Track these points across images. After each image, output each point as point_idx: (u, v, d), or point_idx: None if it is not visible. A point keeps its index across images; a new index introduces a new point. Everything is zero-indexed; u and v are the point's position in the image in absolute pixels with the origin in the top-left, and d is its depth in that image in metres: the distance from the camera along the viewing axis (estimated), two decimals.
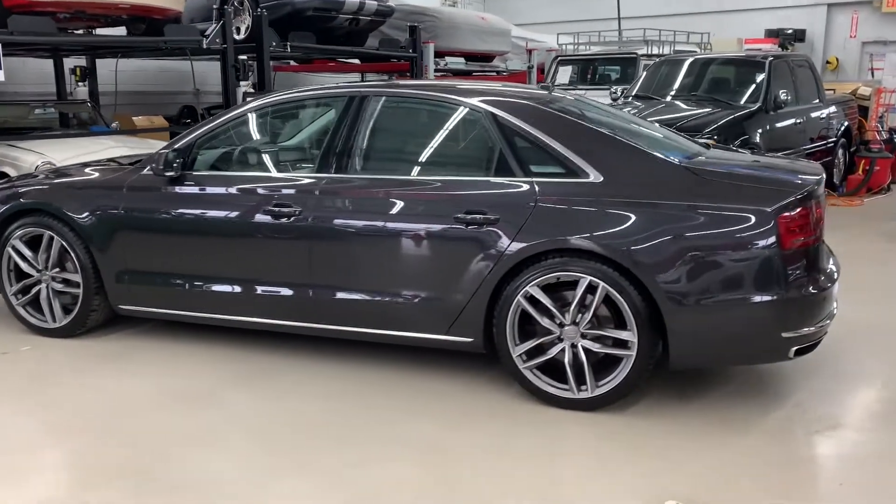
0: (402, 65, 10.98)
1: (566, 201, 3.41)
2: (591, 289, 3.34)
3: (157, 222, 4.08)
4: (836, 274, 3.55)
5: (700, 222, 3.25)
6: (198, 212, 4.01)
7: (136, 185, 4.14)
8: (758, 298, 3.21)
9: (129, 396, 3.64)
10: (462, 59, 11.54)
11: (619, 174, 3.40)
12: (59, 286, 4.34)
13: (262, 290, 3.92)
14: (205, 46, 7.96)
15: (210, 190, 4.01)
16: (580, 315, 3.39)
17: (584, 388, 3.42)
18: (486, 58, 12.42)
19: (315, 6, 8.87)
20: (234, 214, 3.91)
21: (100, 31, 8.35)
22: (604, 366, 3.43)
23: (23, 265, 4.38)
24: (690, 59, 9.55)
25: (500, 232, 3.45)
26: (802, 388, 3.72)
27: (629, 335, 3.32)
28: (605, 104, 4.89)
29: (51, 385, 3.80)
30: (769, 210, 3.20)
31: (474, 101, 3.70)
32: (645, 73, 9.58)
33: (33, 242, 4.37)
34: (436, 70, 10.91)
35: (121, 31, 8.31)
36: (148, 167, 4.10)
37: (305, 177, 3.90)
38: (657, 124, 4.57)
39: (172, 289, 4.11)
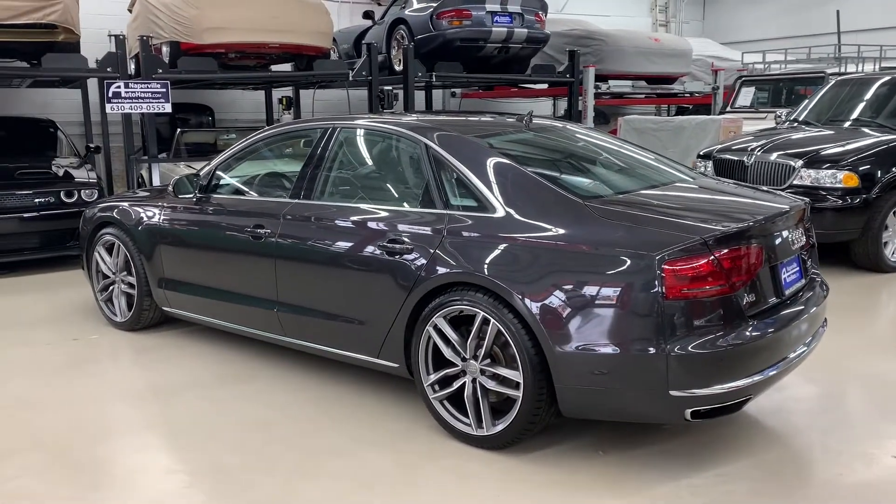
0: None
1: (469, 235, 3.40)
2: (487, 323, 3.30)
3: (177, 238, 4.72)
4: (786, 329, 3.14)
5: (585, 264, 3.08)
6: (200, 230, 4.58)
7: (166, 205, 4.80)
8: (638, 350, 2.96)
9: (118, 386, 4.26)
10: (629, 83, 11.20)
11: (521, 209, 3.32)
12: (125, 287, 5.15)
13: (246, 302, 4.35)
14: (351, 79, 8.72)
15: (210, 211, 4.54)
16: (480, 350, 3.35)
17: (482, 425, 3.37)
18: (666, 80, 11.90)
19: (462, 37, 9.25)
20: (228, 233, 4.39)
21: (275, 67, 9.51)
22: (507, 405, 3.35)
23: (103, 267, 5.26)
24: (880, 80, 8.42)
25: (414, 262, 3.53)
26: (742, 457, 3.29)
27: (517, 375, 3.22)
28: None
29: (70, 368, 4.55)
30: (654, 256, 2.93)
31: (413, 132, 3.80)
32: (818, 94, 8.63)
33: (112, 249, 5.23)
34: (598, 94, 10.74)
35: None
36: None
37: (276, 202, 4.27)
38: (656, 155, 4.27)
39: (189, 296, 4.71)
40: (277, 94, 12.35)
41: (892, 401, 3.91)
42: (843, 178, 6.62)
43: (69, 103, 10.58)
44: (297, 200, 4.14)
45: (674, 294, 2.91)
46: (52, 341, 5.04)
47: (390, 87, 9.12)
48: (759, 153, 7.12)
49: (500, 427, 3.32)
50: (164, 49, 8.38)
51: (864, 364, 4.43)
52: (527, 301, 3.14)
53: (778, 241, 3.29)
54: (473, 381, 3.39)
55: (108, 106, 7.57)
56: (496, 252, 3.29)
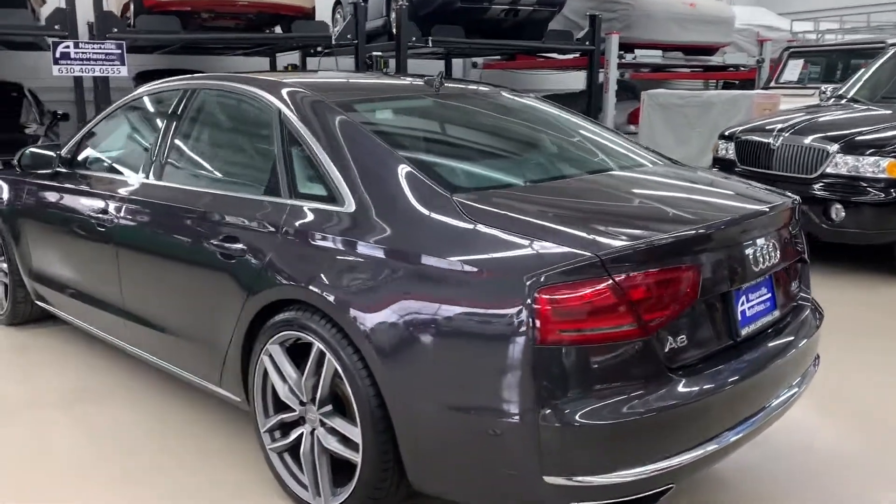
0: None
1: (308, 234, 2.50)
2: (325, 358, 2.41)
3: (34, 221, 3.95)
4: (740, 386, 2.18)
5: (435, 285, 2.15)
6: (54, 213, 3.80)
7: (30, 181, 4.02)
8: (499, 416, 2.03)
9: None
10: (659, 52, 9.98)
11: (376, 204, 2.39)
12: (1, 277, 4.43)
13: (97, 304, 3.55)
14: (333, 43, 7.83)
15: (66, 190, 3.73)
16: (317, 393, 2.47)
17: (320, 493, 2.50)
18: (705, 51, 10.64)
19: None
20: (78, 218, 3.58)
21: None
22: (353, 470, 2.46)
23: None
24: None
25: (247, 267, 2.65)
26: None
27: (356, 432, 2.33)
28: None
29: None
30: (523, 279, 1.99)
31: (267, 94, 2.89)
32: (873, 67, 7.36)
33: None
34: (623, 65, 9.60)
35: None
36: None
37: (121, 181, 3.43)
38: (611, 134, 3.27)
39: (51, 291, 3.94)
40: (283, 60, 11.56)
41: None
42: (887, 167, 5.44)
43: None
44: (140, 181, 3.31)
45: (551, 336, 1.96)
46: None
47: (379, 53, 8.20)
48: (787, 135, 5.97)
49: (341, 498, 2.44)
50: (131, 7, 7.66)
51: None
52: (366, 332, 2.24)
53: (735, 257, 2.30)
54: (313, 432, 2.51)
55: (55, 68, 6.86)
56: (336, 262, 2.39)
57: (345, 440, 2.40)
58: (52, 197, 3.83)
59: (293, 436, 2.58)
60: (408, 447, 2.23)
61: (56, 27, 6.85)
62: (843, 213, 5.52)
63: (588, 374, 1.99)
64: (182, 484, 2.79)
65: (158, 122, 3.39)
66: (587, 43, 9.24)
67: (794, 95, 8.59)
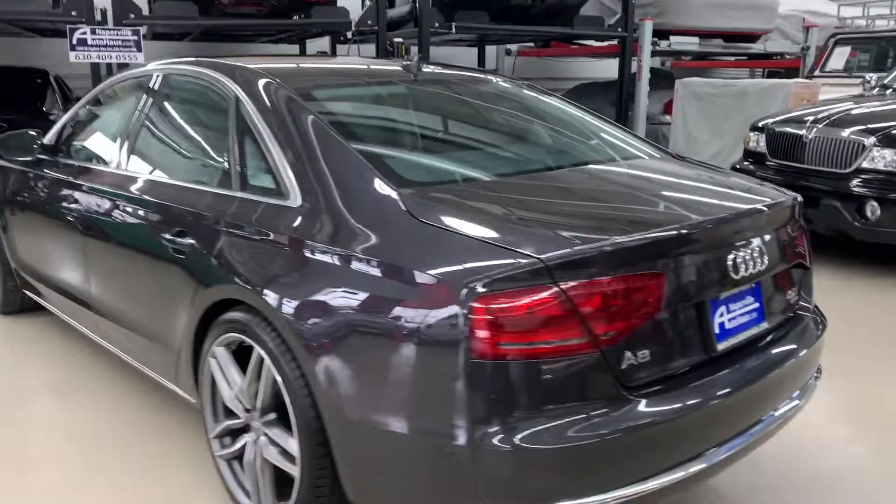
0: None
1: (251, 230, 2.33)
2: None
3: (15, 208, 3.87)
4: (713, 406, 1.96)
5: (371, 288, 1.96)
6: (31, 201, 3.72)
7: (13, 168, 3.93)
8: (432, 437, 1.83)
9: None
10: (696, 40, 9.54)
11: (318, 200, 2.20)
12: None
13: (71, 295, 3.45)
14: (353, 29, 7.67)
15: (43, 177, 3.62)
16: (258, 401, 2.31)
17: None
18: (747, 38, 10.17)
19: None
20: (51, 207, 3.48)
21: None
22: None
23: None
24: None
25: (196, 263, 2.50)
26: None
27: (294, 444, 2.16)
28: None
29: None
30: (459, 286, 1.78)
31: (225, 78, 2.71)
32: None
33: None
34: (658, 53, 9.23)
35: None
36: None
37: (88, 168, 3.32)
38: (604, 123, 3.02)
39: (35, 281, 3.86)
40: (314, 47, 11.44)
41: None
42: None
43: None
44: (107, 169, 3.19)
45: (489, 350, 1.75)
46: None
47: (400, 39, 7.99)
48: (822, 126, 5.60)
49: None
50: None
51: None
52: (301, 337, 2.06)
53: (711, 263, 2.05)
54: (256, 441, 2.35)
55: (72, 54, 6.84)
56: (275, 260, 2.21)
57: (285, 452, 2.23)
58: (31, 184, 3.74)
59: (238, 444, 2.43)
60: (343, 463, 2.05)
61: (73, 13, 6.81)
62: (879, 211, 5.15)
63: (531, 393, 1.78)
64: (123, 485, 2.66)
65: (127, 109, 3.25)
66: (619, 29, 8.89)
67: (839, 85, 8.12)
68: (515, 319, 1.75)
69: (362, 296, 1.96)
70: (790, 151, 5.78)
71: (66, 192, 3.36)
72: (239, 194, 2.46)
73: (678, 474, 1.92)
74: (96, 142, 3.48)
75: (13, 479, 2.72)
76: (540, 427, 1.77)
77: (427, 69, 2.99)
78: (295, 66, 3.19)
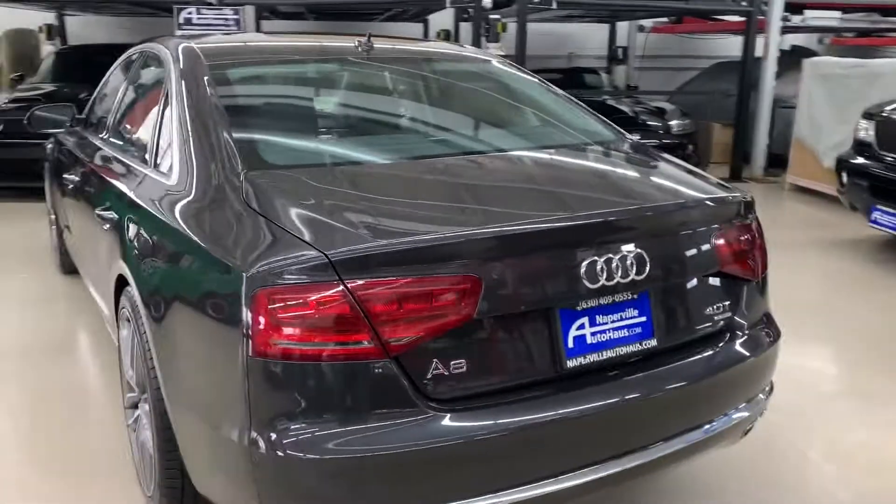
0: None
1: (139, 208, 2.33)
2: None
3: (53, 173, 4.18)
4: (547, 427, 1.75)
5: (194, 270, 1.90)
6: (59, 168, 3.98)
7: (58, 138, 4.22)
8: (222, 430, 1.74)
9: None
10: (836, 13, 8.49)
11: (185, 179, 2.14)
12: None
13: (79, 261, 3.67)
14: (448, 5, 7.56)
15: (69, 146, 3.84)
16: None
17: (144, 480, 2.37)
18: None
19: None
20: (69, 177, 3.70)
21: None
22: None
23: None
24: None
25: (112, 237, 2.55)
26: None
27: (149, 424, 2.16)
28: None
29: None
30: (241, 274, 1.67)
31: (167, 53, 2.70)
32: None
33: None
34: (788, 28, 8.34)
35: None
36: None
37: (86, 141, 3.47)
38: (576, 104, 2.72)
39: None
40: (436, 25, 11.41)
41: None
42: None
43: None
44: (95, 142, 3.34)
45: (268, 347, 1.64)
46: None
47: (497, 16, 7.75)
48: None
49: (156, 494, 2.28)
50: None
51: None
52: (150, 314, 2.05)
53: (563, 269, 1.79)
54: (138, 419, 2.38)
55: (178, 33, 7.26)
56: (143, 238, 2.21)
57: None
58: (64, 155, 4.01)
59: (132, 419, 2.47)
60: (181, 447, 2.01)
61: None
62: None
63: (310, 397, 1.65)
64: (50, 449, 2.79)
65: (120, 85, 3.38)
66: (743, 3, 8.13)
67: None
68: (296, 317, 1.62)
69: (187, 279, 1.91)
70: None
71: (73, 162, 3.56)
72: (146, 171, 2.48)
73: (497, 499, 1.71)
74: (96, 117, 3.65)
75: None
76: (318, 434, 1.64)
77: (381, 46, 2.84)
78: (241, 43, 3.14)
